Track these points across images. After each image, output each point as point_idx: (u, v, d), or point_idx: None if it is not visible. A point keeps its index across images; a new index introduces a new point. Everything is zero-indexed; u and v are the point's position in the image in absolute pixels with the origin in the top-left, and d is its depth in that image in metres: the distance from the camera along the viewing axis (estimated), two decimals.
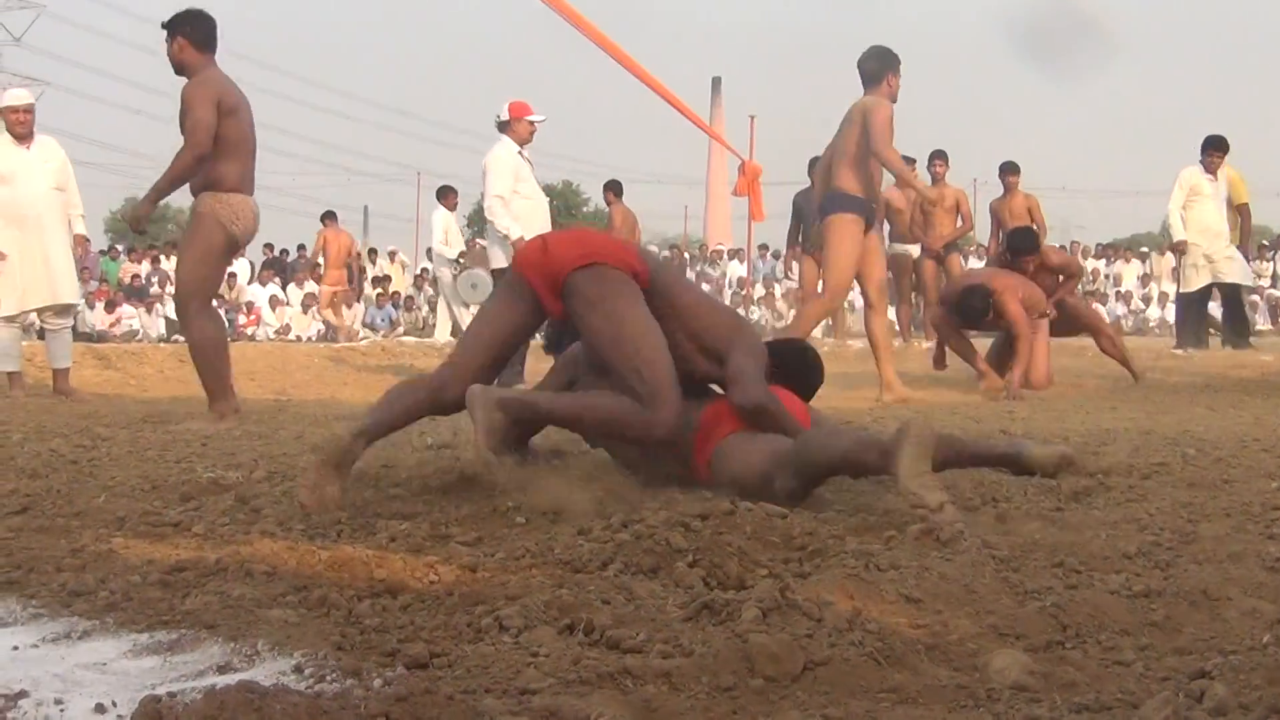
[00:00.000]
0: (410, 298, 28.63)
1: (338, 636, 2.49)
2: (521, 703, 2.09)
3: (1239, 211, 15.15)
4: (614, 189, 17.94)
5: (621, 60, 12.17)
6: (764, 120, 21.00)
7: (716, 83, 51.63)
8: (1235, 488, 4.30)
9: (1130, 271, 32.02)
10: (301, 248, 30.24)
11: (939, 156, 15.69)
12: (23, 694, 2.14)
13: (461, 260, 16.94)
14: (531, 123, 11.07)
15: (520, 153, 10.99)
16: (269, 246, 30.29)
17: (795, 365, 4.64)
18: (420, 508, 3.89)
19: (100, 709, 2.08)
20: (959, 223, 15.69)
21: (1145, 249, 35.20)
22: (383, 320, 26.39)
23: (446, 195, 18.07)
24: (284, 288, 27.16)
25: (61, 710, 2.08)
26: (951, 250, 15.55)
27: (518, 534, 3.53)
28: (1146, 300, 30.22)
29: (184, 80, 7.46)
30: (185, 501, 4.20)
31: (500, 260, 10.89)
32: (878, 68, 9.14)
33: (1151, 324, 28.54)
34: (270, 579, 3.02)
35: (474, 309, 18.13)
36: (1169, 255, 31.97)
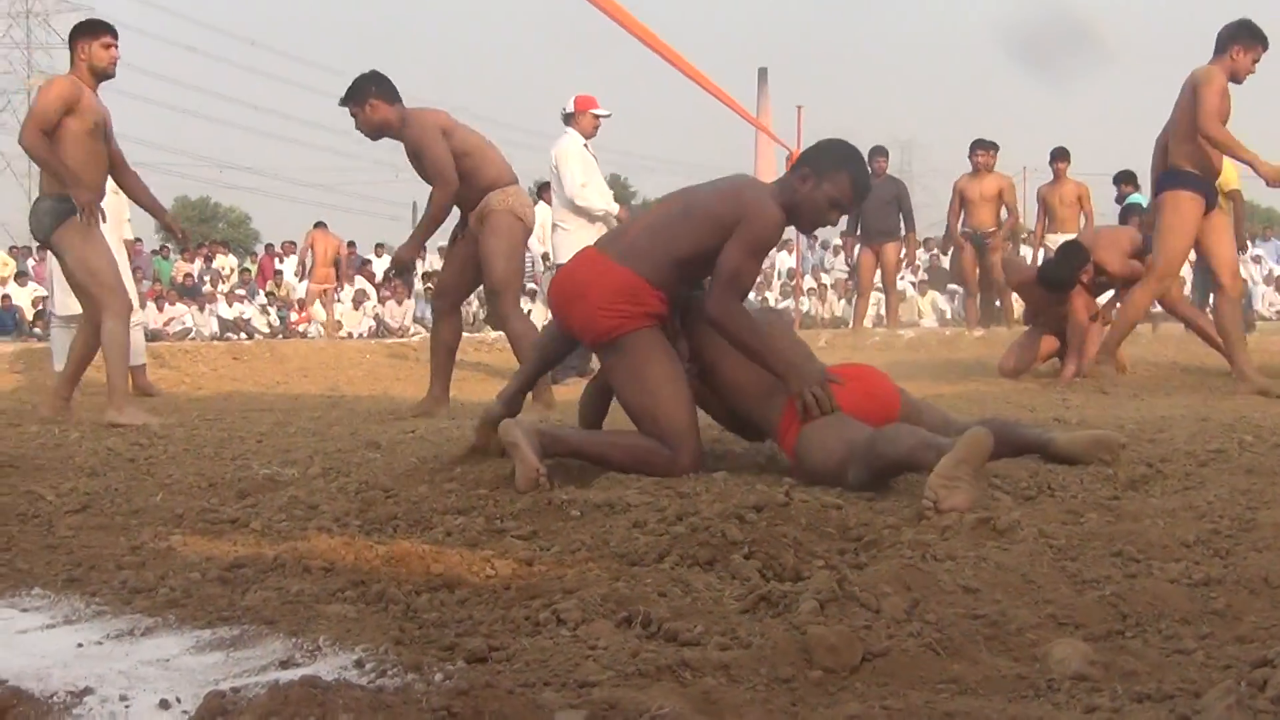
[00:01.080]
0: None
1: (397, 631, 2.50)
2: (581, 695, 2.10)
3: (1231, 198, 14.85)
4: None
5: (664, 53, 12.14)
6: (812, 110, 20.90)
7: (763, 73, 51.50)
8: None
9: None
10: (352, 245, 30.30)
11: (981, 146, 15.42)
12: (88, 690, 2.17)
13: (547, 261, 16.77)
14: (597, 116, 11.09)
15: (586, 146, 11.03)
16: None
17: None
18: (475, 502, 3.90)
19: (165, 705, 2.10)
20: (1003, 214, 15.46)
21: None
22: None
23: (545, 191, 17.84)
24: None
25: (126, 706, 2.10)
26: (987, 238, 15.30)
27: (573, 528, 3.54)
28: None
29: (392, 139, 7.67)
30: (242, 498, 4.24)
31: (567, 254, 10.90)
32: (1225, 36, 8.46)
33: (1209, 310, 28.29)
34: (328, 574, 3.04)
35: None
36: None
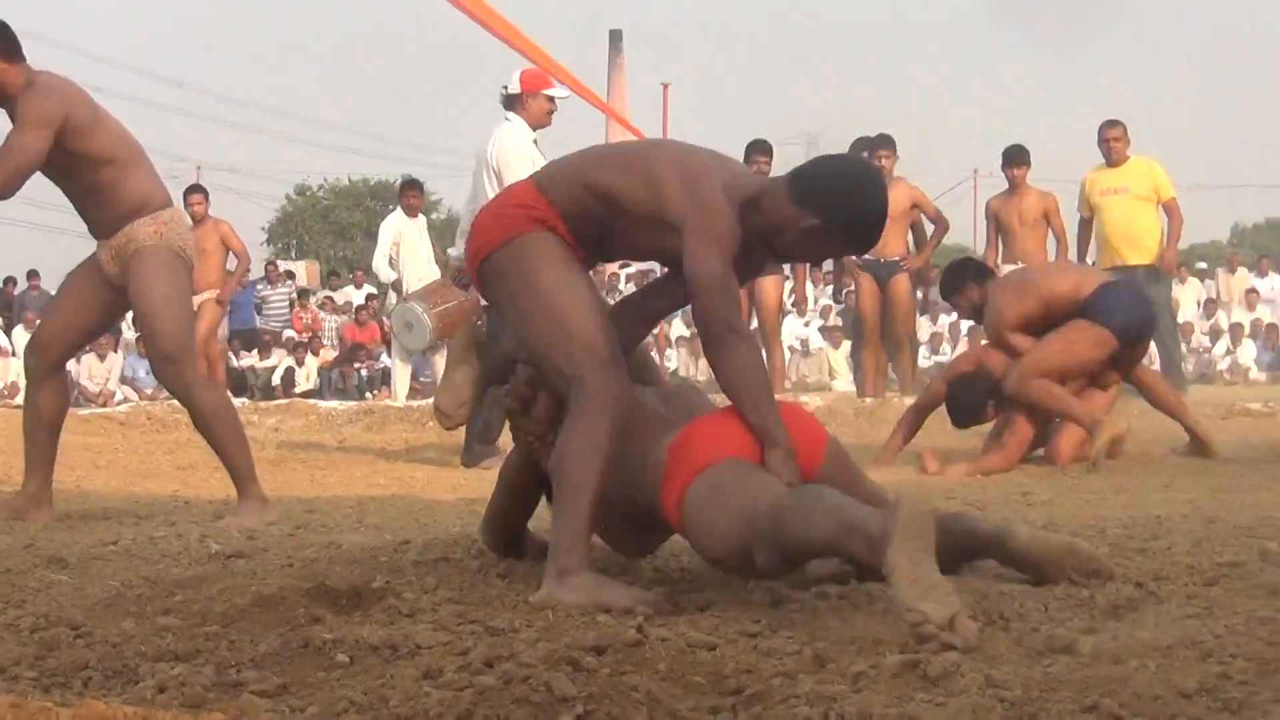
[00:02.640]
0: None
1: None
2: None
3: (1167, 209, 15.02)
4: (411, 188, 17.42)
5: (474, 11, 12.18)
6: (681, 89, 21.03)
7: (615, 37, 51.88)
8: None
9: (1189, 295, 31.60)
10: (34, 275, 29.96)
11: (882, 145, 15.56)
12: None
13: (399, 288, 15.92)
14: (551, 99, 11.36)
15: (535, 142, 11.26)
16: None
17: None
18: (201, 644, 3.85)
19: None
20: (908, 235, 15.74)
21: (1204, 264, 35.46)
22: (146, 373, 26.08)
23: (407, 192, 17.18)
24: (8, 332, 26.86)
25: None
26: (894, 271, 15.61)
27: (339, 679, 3.50)
28: (1213, 335, 30.34)
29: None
30: None
31: None
32: None
33: (1220, 367, 28.74)
34: None
35: (412, 360, 17.44)
36: (1241, 272, 32.37)
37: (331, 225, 61.19)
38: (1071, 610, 4.14)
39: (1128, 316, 9.92)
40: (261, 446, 12.45)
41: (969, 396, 10.25)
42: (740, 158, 15.31)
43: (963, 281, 10.49)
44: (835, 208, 4.72)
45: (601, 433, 4.52)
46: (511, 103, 11.29)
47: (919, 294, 17.17)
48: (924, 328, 27.97)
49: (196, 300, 17.50)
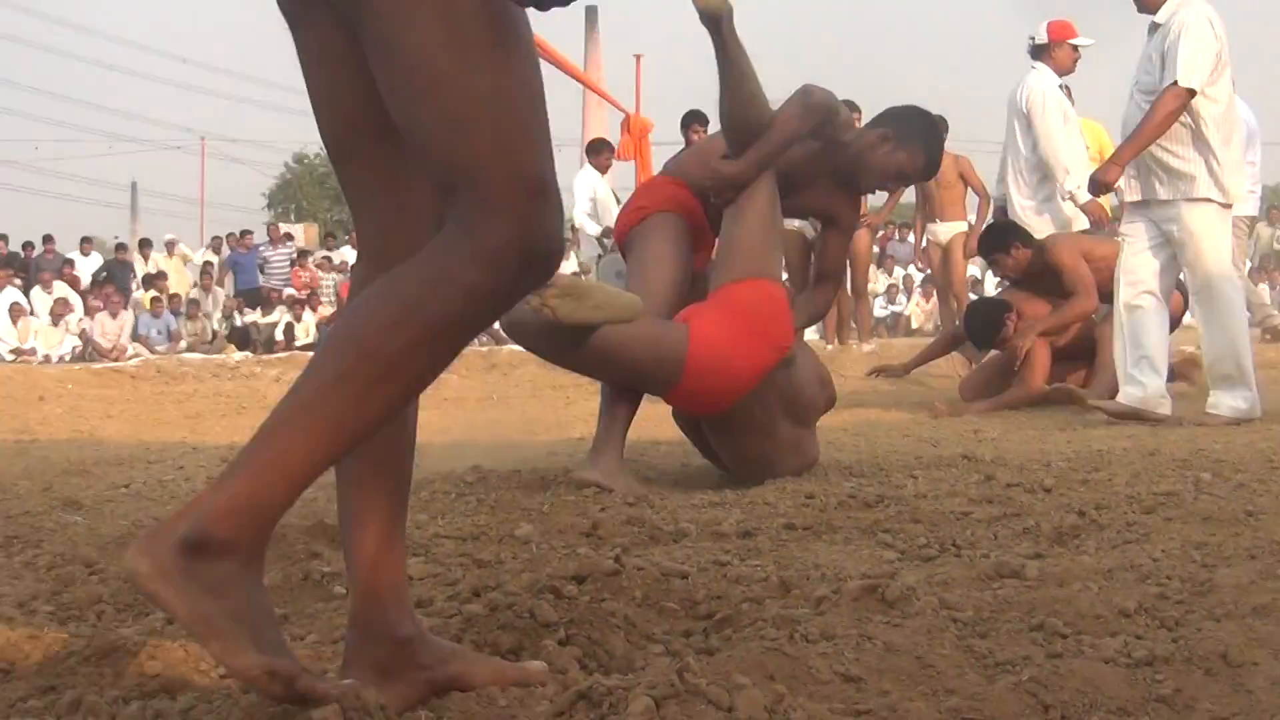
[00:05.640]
0: (195, 302, 28.35)
1: None
2: None
3: None
4: None
5: None
6: (654, 60, 20.96)
7: (591, 13, 51.56)
8: (1262, 522, 4.34)
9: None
10: (49, 240, 29.87)
11: (853, 108, 15.61)
12: None
13: (606, 241, 15.92)
14: (1076, 47, 11.37)
15: (1062, 86, 11.28)
16: (2, 239, 29.80)
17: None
18: None
19: None
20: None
21: None
22: (159, 332, 26.10)
23: (599, 152, 17.39)
24: (27, 293, 26.78)
25: None
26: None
27: (336, 609, 3.49)
28: None
29: None
30: None
31: (1049, 225, 11.06)
32: None
33: None
34: (6, 679, 2.96)
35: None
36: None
37: (328, 190, 61.16)
38: (1018, 537, 4.15)
39: None
40: (264, 397, 12.44)
41: (986, 313, 10.39)
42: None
43: (1008, 242, 10.40)
44: (902, 119, 6.02)
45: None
46: (1039, 52, 11.31)
47: (875, 248, 17.19)
48: (880, 280, 28.14)
49: None
